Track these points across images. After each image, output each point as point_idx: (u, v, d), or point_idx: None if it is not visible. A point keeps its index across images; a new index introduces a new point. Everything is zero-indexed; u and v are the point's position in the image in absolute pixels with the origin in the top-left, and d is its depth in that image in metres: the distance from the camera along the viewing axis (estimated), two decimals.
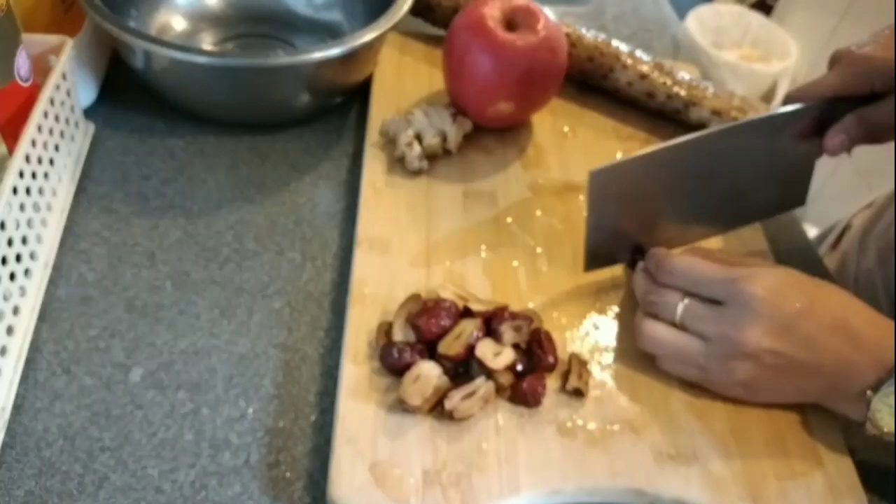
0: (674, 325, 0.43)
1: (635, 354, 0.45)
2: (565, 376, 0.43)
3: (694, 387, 0.44)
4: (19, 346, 0.43)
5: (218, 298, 0.47)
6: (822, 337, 0.40)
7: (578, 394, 0.42)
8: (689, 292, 0.43)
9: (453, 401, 0.40)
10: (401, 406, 0.40)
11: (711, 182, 0.48)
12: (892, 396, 0.39)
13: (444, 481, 0.38)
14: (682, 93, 0.60)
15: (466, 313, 0.44)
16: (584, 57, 0.62)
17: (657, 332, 0.43)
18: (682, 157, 0.46)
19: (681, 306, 0.42)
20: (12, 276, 0.42)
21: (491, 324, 0.43)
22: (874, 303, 0.42)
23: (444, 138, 0.55)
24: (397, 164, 0.54)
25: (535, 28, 0.53)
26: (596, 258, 0.49)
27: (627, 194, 0.47)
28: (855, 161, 1.52)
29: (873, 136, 0.47)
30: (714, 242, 0.53)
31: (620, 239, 0.48)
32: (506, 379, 0.41)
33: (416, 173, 0.54)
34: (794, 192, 0.52)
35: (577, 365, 0.43)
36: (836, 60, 0.48)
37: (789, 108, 0.47)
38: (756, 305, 0.40)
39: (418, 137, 0.54)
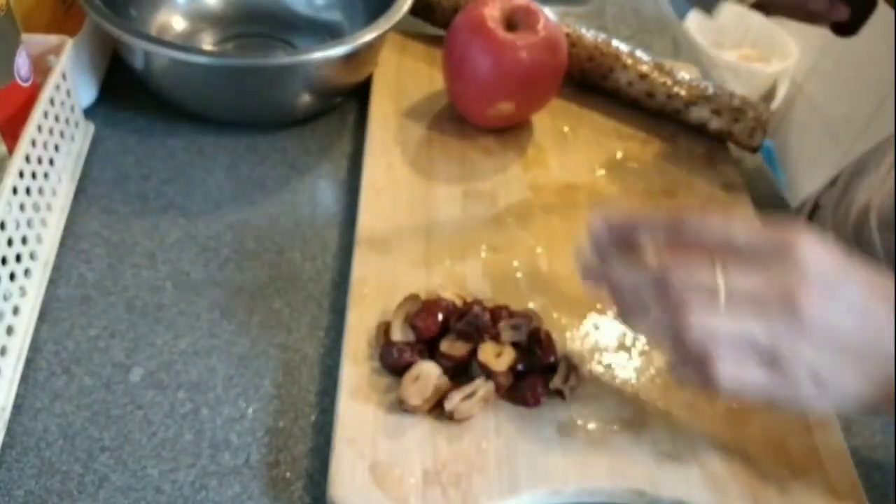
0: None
1: (635, 354, 0.45)
2: (551, 375, 0.43)
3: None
4: (19, 346, 0.43)
5: (218, 298, 0.47)
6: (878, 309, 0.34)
7: (560, 395, 0.42)
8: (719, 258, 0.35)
9: (453, 401, 0.40)
10: (401, 406, 0.40)
11: None
12: None
13: (445, 481, 0.38)
14: (682, 93, 0.60)
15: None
16: (584, 57, 0.62)
17: (712, 323, 0.34)
18: None
19: (720, 277, 0.34)
20: (12, 276, 0.42)
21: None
22: None
23: None
24: (397, 163, 0.54)
25: (536, 28, 0.53)
26: None
27: None
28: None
29: None
30: None
31: None
32: (506, 379, 0.41)
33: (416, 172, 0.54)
34: None
35: (566, 367, 0.43)
36: None
37: None
38: (807, 258, 0.34)
39: None
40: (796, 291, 0.33)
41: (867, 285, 0.35)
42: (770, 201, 0.60)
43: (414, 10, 0.62)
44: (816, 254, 0.34)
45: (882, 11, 0.61)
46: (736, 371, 0.34)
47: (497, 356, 0.42)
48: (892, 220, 0.52)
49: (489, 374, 0.41)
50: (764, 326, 0.34)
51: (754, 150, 0.60)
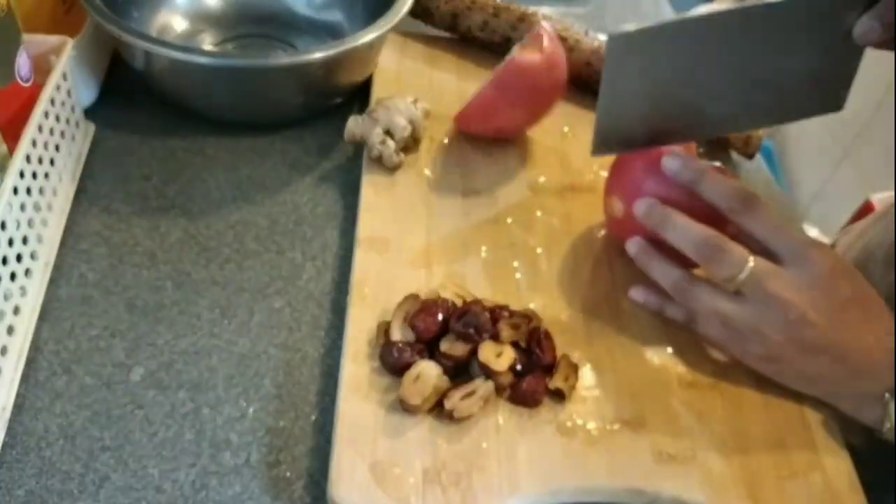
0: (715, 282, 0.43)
1: (636, 353, 0.46)
2: (551, 375, 0.43)
3: (693, 386, 0.44)
4: (20, 346, 0.43)
5: (218, 298, 0.47)
6: (858, 328, 0.41)
7: (559, 394, 0.42)
8: (755, 245, 0.42)
9: (453, 400, 0.40)
10: (401, 406, 0.40)
11: (744, 67, 0.45)
12: None
13: (445, 481, 0.38)
14: None
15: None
16: (582, 62, 0.62)
17: (717, 304, 0.42)
18: (715, 30, 0.43)
19: (749, 265, 0.41)
20: (13, 276, 0.42)
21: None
22: None
23: (413, 126, 0.55)
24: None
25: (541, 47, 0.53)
26: (606, 142, 0.46)
27: (649, 69, 0.44)
28: (855, 162, 1.52)
29: None
30: None
31: (635, 122, 0.46)
32: (506, 379, 0.42)
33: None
34: (833, 95, 0.48)
35: (566, 366, 0.43)
36: None
37: None
38: (819, 278, 0.41)
39: (388, 133, 0.54)
40: (798, 292, 0.41)
41: (869, 316, 0.42)
42: (769, 201, 0.60)
43: (413, 13, 0.62)
44: (832, 275, 0.41)
45: None
46: (715, 334, 0.44)
47: (497, 356, 0.42)
48: (892, 257, 0.53)
49: (489, 373, 0.41)
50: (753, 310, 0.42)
51: (750, 157, 0.60)
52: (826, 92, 0.48)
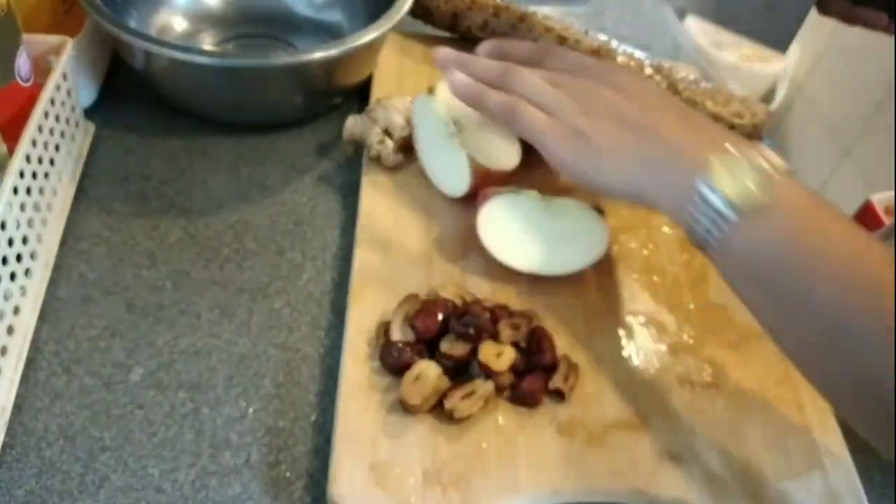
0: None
1: (636, 354, 0.45)
2: (551, 375, 0.43)
3: (693, 386, 0.44)
4: (20, 346, 0.43)
5: (218, 298, 0.47)
6: (666, 116, 0.43)
7: (559, 394, 0.42)
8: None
9: (453, 400, 0.40)
10: (401, 406, 0.40)
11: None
12: (734, 160, 0.37)
13: (445, 481, 0.38)
14: (679, 96, 0.60)
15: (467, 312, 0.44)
16: None
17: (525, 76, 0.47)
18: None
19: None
20: (13, 276, 0.42)
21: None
22: None
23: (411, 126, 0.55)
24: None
25: None
26: None
27: None
28: (855, 162, 1.52)
29: None
30: None
31: None
32: (506, 379, 0.41)
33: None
34: None
35: (566, 367, 0.43)
36: None
37: None
38: (628, 75, 0.48)
39: (387, 132, 0.54)
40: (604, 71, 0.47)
41: (679, 110, 0.45)
42: None
43: (413, 13, 0.62)
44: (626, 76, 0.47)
45: None
46: (526, 111, 0.46)
47: (497, 356, 0.42)
48: None
49: (489, 373, 0.41)
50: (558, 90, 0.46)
51: None
52: None
